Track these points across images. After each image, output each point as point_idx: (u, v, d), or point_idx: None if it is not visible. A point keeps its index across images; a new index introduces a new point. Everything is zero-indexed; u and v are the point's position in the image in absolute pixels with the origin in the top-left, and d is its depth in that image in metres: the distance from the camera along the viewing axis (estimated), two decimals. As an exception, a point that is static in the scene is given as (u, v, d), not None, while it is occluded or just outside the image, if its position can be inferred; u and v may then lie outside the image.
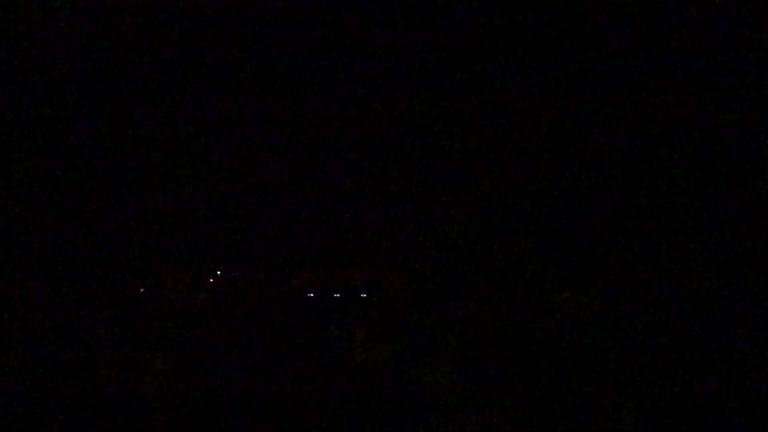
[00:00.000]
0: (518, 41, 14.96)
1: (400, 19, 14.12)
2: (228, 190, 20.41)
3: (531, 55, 14.22)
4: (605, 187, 17.06)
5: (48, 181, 18.47)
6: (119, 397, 3.65)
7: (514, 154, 19.02)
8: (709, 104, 13.32)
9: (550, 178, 18.11)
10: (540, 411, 3.44)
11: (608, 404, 3.43)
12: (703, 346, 4.08)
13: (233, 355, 1.54)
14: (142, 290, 15.89)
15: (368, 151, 19.98)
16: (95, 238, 19.15)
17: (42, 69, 16.52)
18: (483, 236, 19.19)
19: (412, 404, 3.88)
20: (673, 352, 4.05)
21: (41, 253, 17.28)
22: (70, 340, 3.32)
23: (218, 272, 21.36)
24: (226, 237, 21.53)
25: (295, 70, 17.77)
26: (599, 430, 3.40)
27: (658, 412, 3.39)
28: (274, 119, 19.35)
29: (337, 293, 17.94)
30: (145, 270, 19.82)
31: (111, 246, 19.43)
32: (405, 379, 4.31)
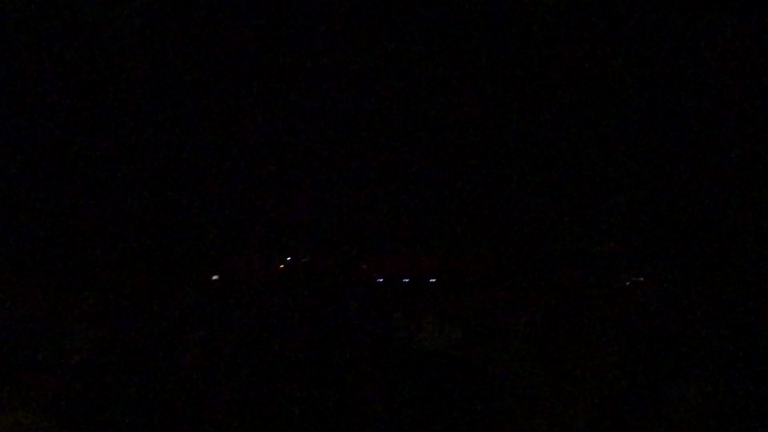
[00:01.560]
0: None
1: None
2: (296, 179, 20.32)
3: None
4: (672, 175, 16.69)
5: (129, 178, 18.67)
6: (197, 376, 3.74)
7: (579, 144, 18.63)
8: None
9: (620, 167, 17.75)
10: (609, 394, 3.45)
11: (678, 390, 3.42)
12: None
13: (303, 338, 1.60)
14: (215, 277, 16.10)
15: (434, 140, 19.74)
16: (173, 230, 19.28)
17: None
18: (552, 222, 18.89)
19: (480, 389, 3.90)
20: (742, 338, 4.04)
21: (127, 244, 17.49)
22: (153, 323, 3.42)
23: (288, 258, 21.29)
24: (296, 225, 21.45)
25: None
26: (672, 417, 3.40)
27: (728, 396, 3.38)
28: (340, 114, 19.20)
29: (406, 278, 17.88)
30: (218, 258, 19.85)
31: (187, 235, 19.53)
32: (473, 364, 4.34)
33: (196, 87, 19.42)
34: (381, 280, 17.71)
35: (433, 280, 18.01)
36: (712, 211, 17.12)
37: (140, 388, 3.11)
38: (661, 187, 18.48)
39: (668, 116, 18.18)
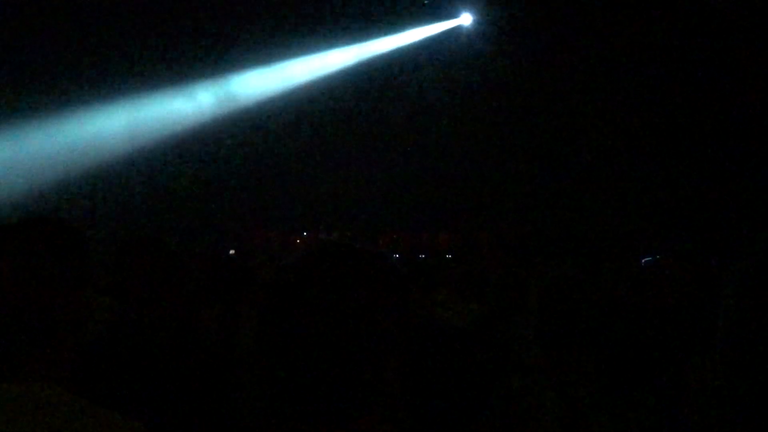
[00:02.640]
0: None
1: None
2: (312, 153, 20.40)
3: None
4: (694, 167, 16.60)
5: (142, 153, 18.74)
6: (215, 349, 3.75)
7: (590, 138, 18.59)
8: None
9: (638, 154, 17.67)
10: (619, 373, 3.43)
11: (695, 371, 3.40)
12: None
13: (319, 313, 1.60)
14: (232, 251, 16.10)
15: (455, 122, 19.74)
16: (189, 203, 19.34)
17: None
18: (567, 199, 18.85)
19: (498, 365, 3.90)
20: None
21: (143, 218, 17.54)
22: (170, 297, 3.41)
23: (305, 233, 21.36)
24: (313, 200, 21.53)
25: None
26: (690, 395, 3.37)
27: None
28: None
29: (422, 254, 17.86)
30: (236, 234, 19.89)
31: (204, 209, 19.58)
32: (489, 341, 4.35)
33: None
34: (397, 255, 17.77)
35: (450, 256, 18.04)
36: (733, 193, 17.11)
37: (157, 361, 3.12)
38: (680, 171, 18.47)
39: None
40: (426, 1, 19.26)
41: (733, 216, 16.18)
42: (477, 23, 19.59)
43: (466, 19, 19.75)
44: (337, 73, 20.46)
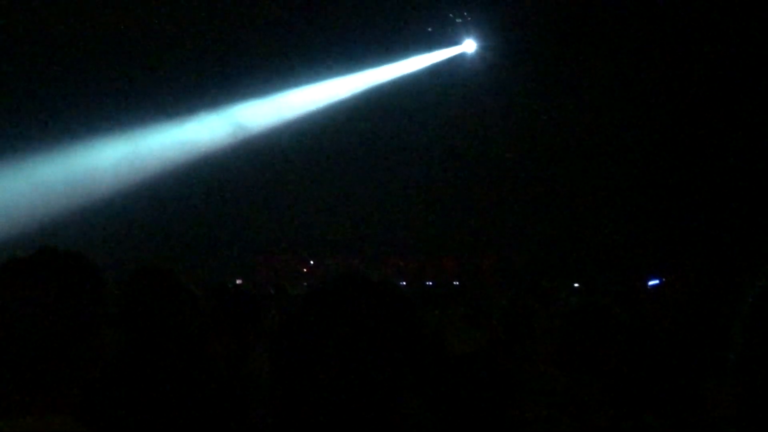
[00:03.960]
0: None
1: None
2: (317, 180, 20.42)
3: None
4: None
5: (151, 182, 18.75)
6: (224, 378, 3.73)
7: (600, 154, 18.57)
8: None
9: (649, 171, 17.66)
10: (634, 400, 3.42)
11: (711, 394, 3.38)
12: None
13: (328, 341, 1.59)
14: (239, 281, 16.09)
15: (458, 148, 19.72)
16: (196, 233, 19.35)
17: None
18: (577, 223, 18.83)
19: (507, 392, 3.88)
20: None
21: (150, 248, 17.51)
22: (179, 327, 3.41)
23: (311, 262, 21.32)
24: (319, 228, 21.50)
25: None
26: (702, 418, 3.36)
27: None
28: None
29: (429, 281, 17.83)
30: (241, 261, 19.88)
31: (211, 240, 19.59)
32: (500, 368, 4.34)
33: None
34: (404, 283, 17.76)
35: (457, 283, 18.01)
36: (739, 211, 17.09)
37: (167, 393, 3.12)
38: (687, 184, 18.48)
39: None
40: (430, 29, 19.33)
41: (743, 235, 16.16)
42: (481, 50, 19.65)
43: (469, 46, 19.81)
44: (341, 102, 20.55)
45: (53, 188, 18.06)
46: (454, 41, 19.82)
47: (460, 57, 20.04)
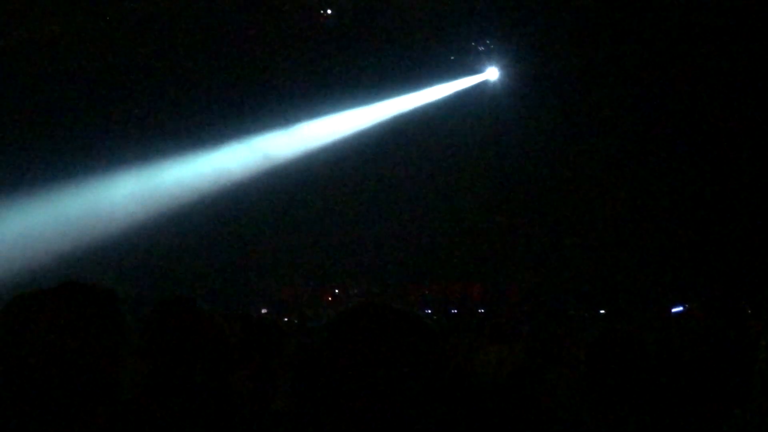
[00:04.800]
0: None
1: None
2: (341, 208, 20.47)
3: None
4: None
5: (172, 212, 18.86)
6: (249, 410, 3.73)
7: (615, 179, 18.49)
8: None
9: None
10: (659, 429, 3.39)
11: (734, 426, 3.35)
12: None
13: (350, 371, 1.58)
14: (264, 310, 16.10)
15: (479, 171, 19.75)
16: (221, 263, 19.40)
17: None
18: (602, 251, 18.70)
19: (532, 419, 3.87)
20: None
21: (174, 279, 17.56)
22: (201, 358, 3.42)
23: (336, 291, 21.34)
24: (344, 257, 21.53)
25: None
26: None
27: None
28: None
29: (454, 309, 17.77)
30: (266, 291, 19.90)
31: (235, 269, 19.64)
32: (525, 395, 4.31)
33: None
34: (429, 311, 17.68)
35: (482, 310, 17.95)
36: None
37: (191, 423, 3.11)
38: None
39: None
40: (453, 57, 19.37)
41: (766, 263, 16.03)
42: (503, 77, 19.68)
43: (492, 74, 19.85)
44: (364, 131, 20.64)
45: (77, 221, 18.23)
46: (476, 69, 19.88)
47: (483, 84, 20.09)
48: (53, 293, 2.05)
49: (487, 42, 19.02)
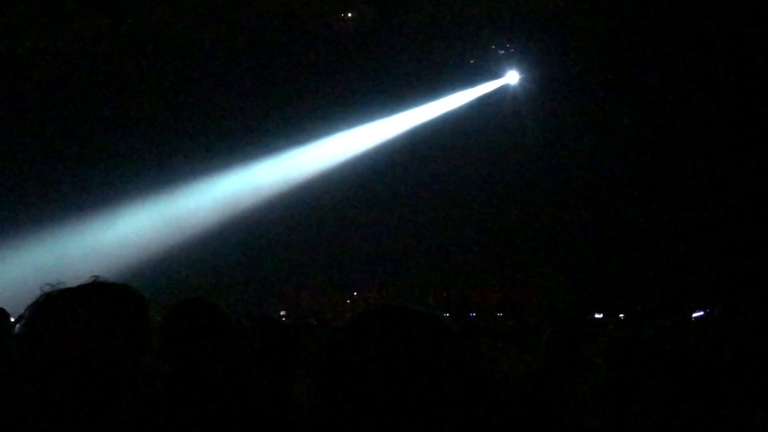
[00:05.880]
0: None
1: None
2: (362, 210, 20.45)
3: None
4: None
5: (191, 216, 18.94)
6: (268, 412, 3.74)
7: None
8: None
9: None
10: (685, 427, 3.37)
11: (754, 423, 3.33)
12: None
13: (375, 375, 1.58)
14: (282, 312, 16.13)
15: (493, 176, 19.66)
16: (238, 265, 19.41)
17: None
18: (621, 255, 18.60)
19: (551, 425, 3.85)
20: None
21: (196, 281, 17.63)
22: (221, 358, 3.42)
23: (354, 293, 21.28)
24: (362, 261, 21.47)
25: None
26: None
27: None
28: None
29: (472, 313, 17.71)
30: (286, 295, 19.91)
31: (254, 272, 19.65)
32: (546, 400, 4.30)
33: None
34: (447, 315, 17.65)
35: (501, 314, 17.91)
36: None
37: (211, 425, 3.12)
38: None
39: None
40: (472, 60, 19.34)
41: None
42: (524, 81, 19.62)
43: (512, 78, 19.80)
44: (386, 142, 20.73)
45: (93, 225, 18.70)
46: (497, 74, 19.84)
47: (504, 89, 20.05)
48: (80, 292, 2.07)
49: (507, 45, 18.98)
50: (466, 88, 20.22)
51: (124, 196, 19.23)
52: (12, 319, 7.42)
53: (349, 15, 16.93)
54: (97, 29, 16.09)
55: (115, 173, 19.23)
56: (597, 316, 15.68)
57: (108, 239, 18.62)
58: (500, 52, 19.20)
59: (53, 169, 18.97)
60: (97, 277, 2.15)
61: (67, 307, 2.02)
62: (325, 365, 1.85)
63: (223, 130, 19.78)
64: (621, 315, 14.44)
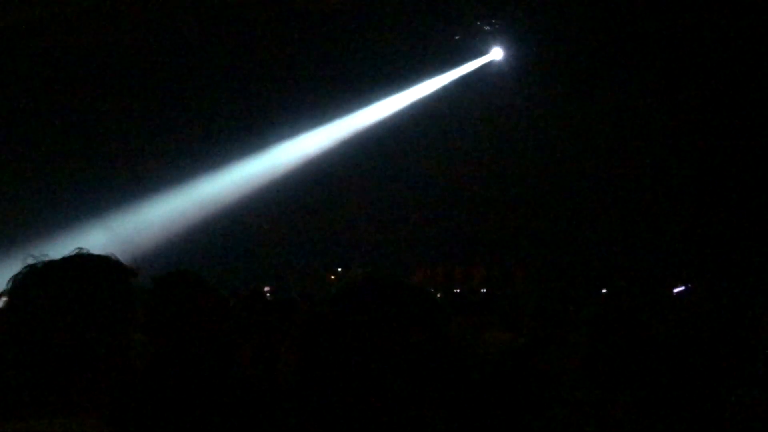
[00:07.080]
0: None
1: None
2: (345, 190, 20.45)
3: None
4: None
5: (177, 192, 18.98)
6: (254, 385, 3.74)
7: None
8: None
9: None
10: (660, 407, 3.40)
11: (737, 405, 3.37)
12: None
13: (360, 346, 1.59)
14: (267, 288, 16.19)
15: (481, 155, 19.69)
16: (222, 241, 19.46)
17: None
18: (604, 231, 18.71)
19: (533, 398, 3.88)
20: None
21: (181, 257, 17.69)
22: (207, 331, 3.43)
23: (339, 269, 21.32)
24: (347, 237, 21.51)
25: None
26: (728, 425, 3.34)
27: None
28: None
29: (457, 289, 17.78)
30: (270, 271, 19.96)
31: (239, 250, 19.70)
32: (527, 373, 4.32)
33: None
34: (432, 290, 17.68)
35: (484, 290, 17.96)
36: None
37: (195, 398, 3.13)
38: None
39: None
40: (457, 36, 19.24)
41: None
42: (508, 57, 19.56)
43: (497, 54, 19.72)
44: (366, 127, 20.72)
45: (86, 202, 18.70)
46: (481, 50, 19.74)
47: (488, 66, 19.98)
48: (62, 264, 2.06)
49: (492, 21, 18.88)
50: (451, 67, 20.14)
51: (112, 185, 19.23)
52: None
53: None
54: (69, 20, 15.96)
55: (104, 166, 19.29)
56: (580, 291, 15.76)
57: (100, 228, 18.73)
58: (485, 28, 19.10)
59: (47, 168, 18.90)
60: (80, 248, 2.14)
61: (49, 278, 2.02)
62: (308, 338, 1.85)
63: (207, 120, 19.81)
64: (604, 290, 14.54)
